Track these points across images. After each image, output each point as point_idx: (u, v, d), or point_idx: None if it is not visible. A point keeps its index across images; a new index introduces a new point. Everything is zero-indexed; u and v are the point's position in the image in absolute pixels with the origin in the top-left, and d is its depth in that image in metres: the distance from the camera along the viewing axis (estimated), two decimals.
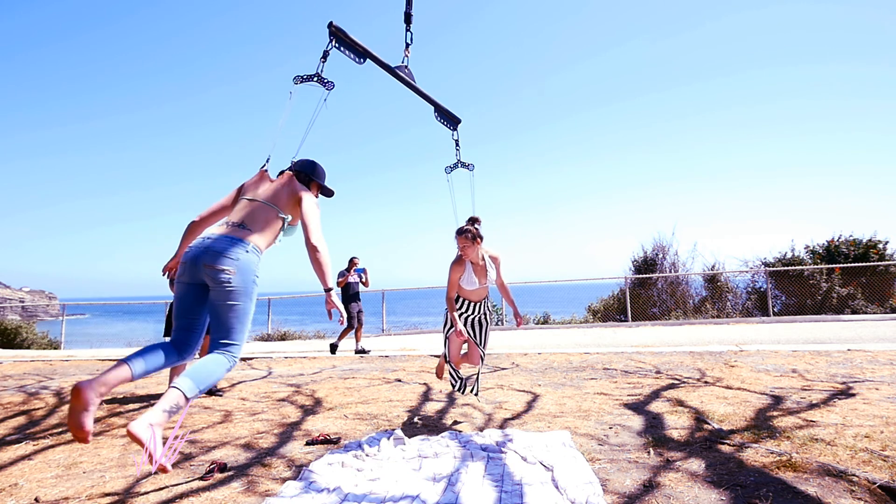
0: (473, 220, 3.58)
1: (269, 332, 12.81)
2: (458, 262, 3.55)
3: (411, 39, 3.70)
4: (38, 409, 4.45)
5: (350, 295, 8.16)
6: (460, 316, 3.68)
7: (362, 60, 3.30)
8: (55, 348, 13.14)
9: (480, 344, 3.70)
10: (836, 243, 12.37)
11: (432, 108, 3.84)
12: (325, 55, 3.12)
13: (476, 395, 3.79)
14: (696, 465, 2.52)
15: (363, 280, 8.33)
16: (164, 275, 2.84)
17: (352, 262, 8.30)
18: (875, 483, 2.15)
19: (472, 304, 3.67)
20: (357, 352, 8.03)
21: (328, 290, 2.40)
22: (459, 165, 4.01)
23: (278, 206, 2.49)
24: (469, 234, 3.45)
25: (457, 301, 3.65)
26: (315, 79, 3.08)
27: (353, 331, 8.22)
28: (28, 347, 13.00)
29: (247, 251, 2.27)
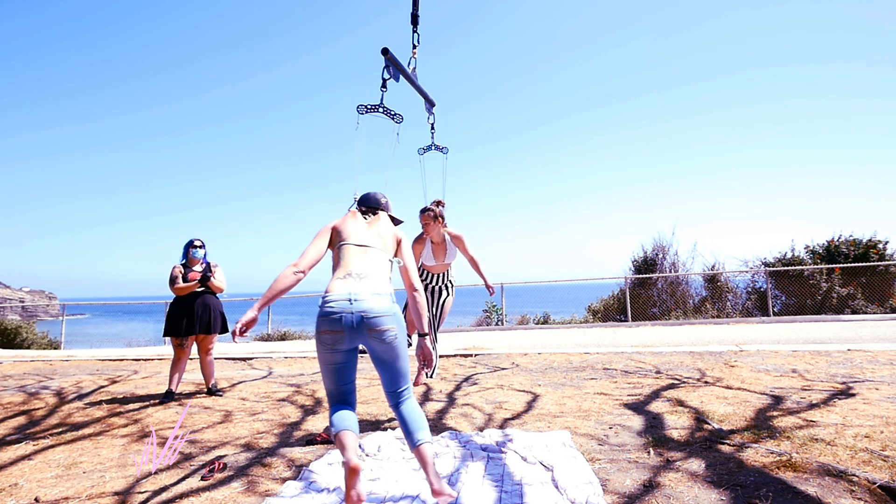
0: (437, 203, 3.78)
1: (269, 332, 12.80)
2: (419, 239, 3.77)
3: (418, 41, 3.70)
4: (39, 409, 4.45)
5: None
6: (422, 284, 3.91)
7: (398, 79, 3.41)
8: (55, 348, 13.13)
9: (434, 313, 3.91)
10: (836, 243, 12.36)
11: (423, 100, 3.85)
12: (385, 83, 3.13)
13: (430, 377, 3.94)
14: (696, 465, 2.52)
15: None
16: (240, 332, 2.14)
17: None
18: (875, 483, 2.15)
19: (432, 275, 3.92)
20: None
21: (425, 335, 2.40)
22: (434, 148, 4.13)
23: (387, 251, 2.45)
24: (431, 214, 3.67)
25: (421, 274, 3.91)
26: (381, 109, 3.08)
27: None
28: (28, 347, 13.00)
29: (392, 301, 2.25)
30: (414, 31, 3.70)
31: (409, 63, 3.63)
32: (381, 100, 3.13)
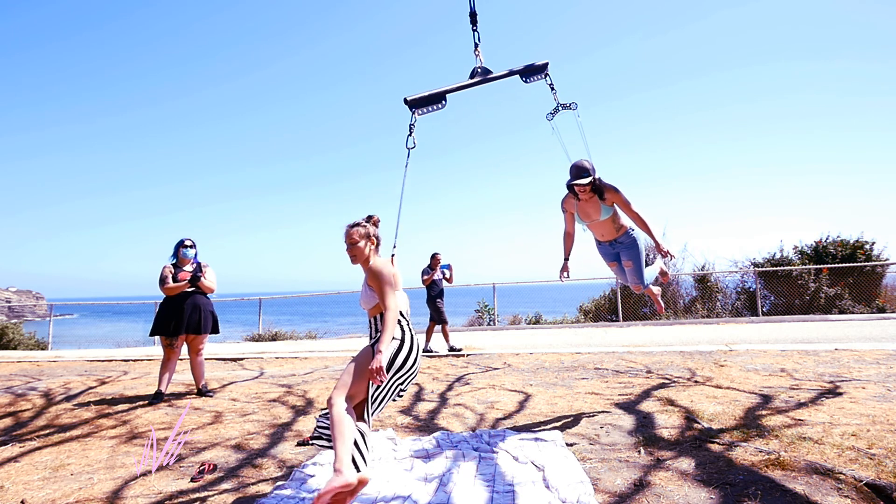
0: (370, 218, 2.63)
1: (260, 333, 12.73)
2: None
3: (479, 39, 3.62)
4: (25, 410, 4.39)
5: (436, 293, 7.80)
6: None
7: (443, 104, 3.46)
8: (42, 349, 12.97)
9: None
10: (824, 244, 12.50)
11: (518, 76, 3.61)
12: (411, 128, 3.41)
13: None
14: (686, 463, 2.54)
15: (447, 277, 7.87)
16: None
17: (435, 258, 7.83)
18: (861, 481, 2.18)
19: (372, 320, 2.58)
20: (450, 349, 7.50)
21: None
22: (559, 108, 3.80)
23: None
24: (360, 230, 2.51)
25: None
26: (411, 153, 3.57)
27: (441, 330, 7.80)
28: (14, 348, 12.83)
29: None
30: (474, 30, 3.61)
31: (476, 62, 3.56)
32: (407, 143, 3.47)
